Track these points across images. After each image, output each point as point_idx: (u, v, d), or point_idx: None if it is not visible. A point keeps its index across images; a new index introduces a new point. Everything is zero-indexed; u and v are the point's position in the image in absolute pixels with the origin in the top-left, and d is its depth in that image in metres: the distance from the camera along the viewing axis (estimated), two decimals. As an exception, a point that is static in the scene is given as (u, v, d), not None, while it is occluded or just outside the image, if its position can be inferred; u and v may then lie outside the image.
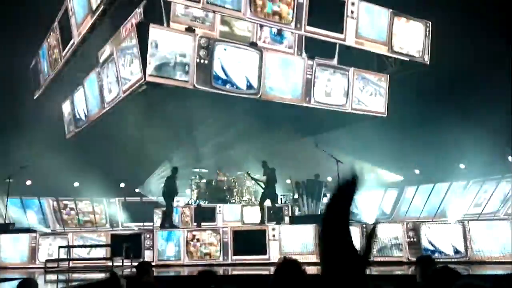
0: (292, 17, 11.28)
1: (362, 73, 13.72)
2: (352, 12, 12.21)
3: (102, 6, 10.19)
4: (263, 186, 12.66)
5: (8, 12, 14.58)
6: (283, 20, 11.21)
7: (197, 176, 15.52)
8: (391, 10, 12.95)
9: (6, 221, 13.41)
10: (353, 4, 12.25)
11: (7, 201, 13.61)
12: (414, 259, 9.09)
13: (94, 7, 10.56)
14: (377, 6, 12.77)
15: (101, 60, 12.96)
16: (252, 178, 13.62)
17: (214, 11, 10.70)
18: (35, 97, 16.26)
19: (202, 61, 10.82)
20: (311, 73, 12.63)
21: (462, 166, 15.49)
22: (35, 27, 14.39)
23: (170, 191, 12.43)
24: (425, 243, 9.45)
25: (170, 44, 10.44)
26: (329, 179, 15.40)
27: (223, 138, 16.31)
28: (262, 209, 12.40)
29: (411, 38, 13.44)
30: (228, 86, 11.30)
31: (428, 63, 13.75)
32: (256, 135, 16.04)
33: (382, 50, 13.07)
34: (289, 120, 14.81)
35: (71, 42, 12.29)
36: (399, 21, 13.14)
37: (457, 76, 14.07)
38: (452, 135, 14.00)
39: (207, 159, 17.41)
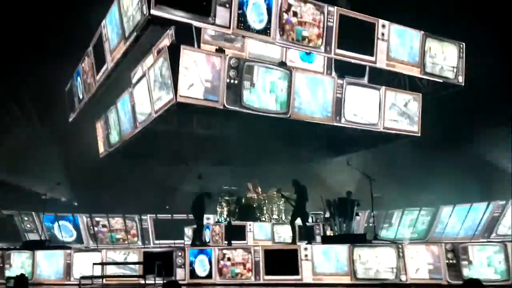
0: (322, 41, 11.35)
1: (393, 92, 13.49)
2: (382, 34, 12.19)
3: (135, 33, 10.44)
4: (294, 204, 12.52)
5: (46, 36, 15.23)
6: (313, 43, 11.30)
7: (227, 194, 15.49)
8: (423, 32, 12.81)
9: (42, 238, 13.70)
10: (383, 26, 12.23)
11: (43, 217, 13.93)
12: (453, 282, 8.83)
13: (127, 34, 10.83)
14: (408, 28, 12.67)
15: (133, 81, 13.24)
16: (283, 196, 13.49)
17: (244, 36, 10.85)
18: (70, 120, 16.72)
19: (232, 81, 10.92)
20: (341, 92, 12.56)
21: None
22: (71, 51, 14.91)
23: (199, 209, 12.48)
24: (465, 265, 9.06)
25: (201, 65, 10.59)
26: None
27: (254, 155, 16.31)
28: (293, 227, 12.24)
29: (445, 59, 13.23)
30: (258, 106, 11.33)
31: (463, 84, 13.46)
32: (286, 153, 15.96)
33: (415, 72, 12.94)
34: (320, 139, 14.69)
35: (105, 67, 12.63)
36: (431, 42, 12.97)
37: (492, 94, 13.75)
38: (489, 154, 13.65)
39: (236, 177, 17.42)
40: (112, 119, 14.89)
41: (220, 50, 11.39)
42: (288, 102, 11.71)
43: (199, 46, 11.17)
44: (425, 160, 15.14)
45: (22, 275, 4.89)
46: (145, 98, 12.04)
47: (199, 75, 10.56)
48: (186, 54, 10.40)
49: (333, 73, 13.14)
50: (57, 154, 17.19)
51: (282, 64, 12.33)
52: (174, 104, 10.61)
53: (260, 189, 15.63)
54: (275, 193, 15.39)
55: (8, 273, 10.96)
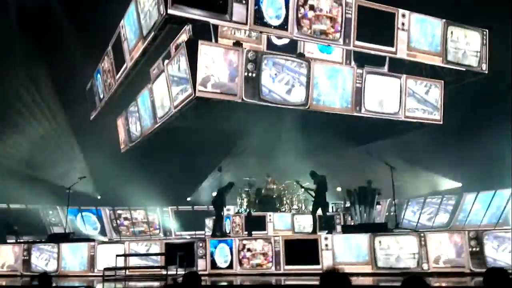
0: (340, 34, 11.20)
1: (414, 80, 13.23)
2: (403, 24, 11.94)
3: (153, 33, 10.50)
4: (313, 194, 12.47)
5: (67, 35, 15.49)
6: (331, 36, 11.17)
7: (247, 185, 15.56)
8: (444, 20, 12.49)
9: (67, 231, 14.00)
10: (403, 16, 11.98)
11: (67, 211, 14.21)
12: (476, 270, 8.67)
13: (145, 33, 10.90)
14: (429, 17, 12.37)
15: (152, 77, 13.34)
16: (302, 187, 13.45)
17: (261, 32, 10.79)
18: (91, 118, 16.96)
19: (250, 74, 10.88)
20: (360, 81, 12.37)
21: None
22: (92, 50, 15.11)
23: (221, 201, 12.57)
24: (489, 253, 8.89)
25: (219, 59, 10.59)
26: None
27: (272, 147, 16.30)
28: (314, 217, 12.20)
29: (468, 44, 12.88)
30: (276, 98, 11.28)
31: (487, 72, 13.13)
32: (305, 143, 15.88)
33: (437, 61, 12.65)
34: (340, 129, 14.52)
35: (124, 66, 12.76)
36: (453, 30, 12.65)
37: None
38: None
39: (256, 168, 17.46)
40: (132, 115, 15.08)
41: (237, 44, 11.33)
42: (307, 93, 11.60)
43: (216, 41, 11.14)
44: (450, 147, 14.85)
45: (45, 273, 4.98)
46: (164, 94, 12.14)
47: (217, 69, 10.57)
48: (204, 49, 10.41)
49: (352, 63, 12.92)
50: (80, 148, 17.53)
51: (300, 56, 12.23)
52: (193, 98, 10.64)
53: (278, 181, 15.66)
54: (294, 183, 15.41)
55: (34, 265, 11.22)
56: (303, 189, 13.79)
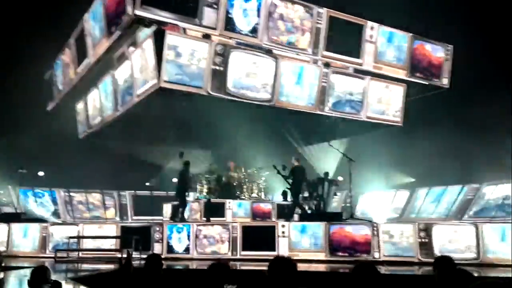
0: (310, 43, 11.26)
1: (378, 82, 13.49)
2: (371, 36, 12.11)
3: (119, 32, 10.19)
4: (289, 182, 12.63)
5: (28, 21, 14.84)
6: (300, 45, 11.28)
7: (208, 172, 15.53)
8: (411, 34, 12.78)
9: (18, 211, 13.55)
10: (372, 28, 12.13)
11: (18, 191, 13.73)
12: (425, 259, 9.07)
13: (110, 31, 10.54)
14: (397, 30, 12.61)
15: (116, 63, 12.92)
16: (278, 172, 13.46)
17: (230, 38, 10.66)
18: (48, 109, 16.33)
19: (217, 67, 10.76)
20: (326, 81, 12.49)
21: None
22: (53, 37, 14.48)
23: (183, 186, 12.48)
24: (436, 244, 9.31)
25: (186, 50, 10.41)
26: (340, 178, 15.34)
27: (234, 138, 16.29)
28: (299, 204, 12.29)
29: (431, 62, 13.25)
30: (242, 93, 11.24)
31: (448, 86, 13.53)
32: (268, 137, 15.95)
33: (401, 74, 12.96)
34: (303, 126, 14.64)
35: (86, 61, 12.30)
36: (418, 45, 12.96)
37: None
38: (465, 140, 13.97)
39: (217, 156, 17.45)
40: (92, 101, 14.63)
41: (206, 36, 11.12)
42: (273, 90, 11.61)
43: (185, 32, 10.92)
44: (405, 144, 15.36)
45: (42, 267, 4.82)
46: (127, 82, 11.84)
47: (184, 60, 10.37)
48: (172, 39, 10.18)
49: (319, 62, 12.73)
50: (37, 130, 16.91)
51: (268, 52, 12.19)
52: (157, 89, 10.44)
53: (241, 169, 15.70)
54: (255, 171, 15.51)
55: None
56: (278, 174, 13.77)
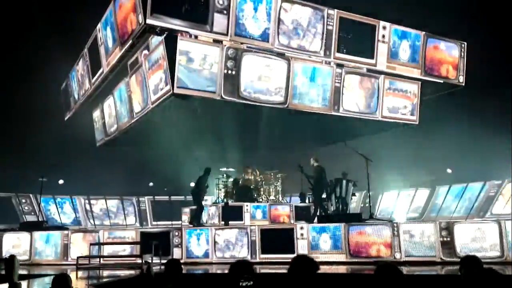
0: (321, 46, 11.16)
1: (393, 80, 13.29)
2: (383, 36, 11.95)
3: (131, 41, 10.23)
4: (312, 183, 12.60)
5: (44, 31, 15.13)
6: (312, 48, 11.14)
7: (224, 175, 15.55)
8: (424, 32, 12.60)
9: (40, 219, 13.76)
10: (384, 28, 11.98)
11: (40, 199, 13.95)
12: (447, 259, 8.91)
13: (122, 40, 10.57)
14: (409, 29, 12.42)
15: (130, 70, 13.02)
16: (303, 173, 13.40)
17: (242, 43, 10.64)
18: (66, 118, 16.55)
19: (229, 72, 10.74)
20: (339, 81, 12.37)
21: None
22: (68, 48, 14.72)
23: (200, 190, 12.56)
24: (459, 243, 9.14)
25: (198, 55, 10.42)
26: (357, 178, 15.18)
27: (250, 140, 16.28)
28: (322, 205, 12.26)
29: (446, 59, 13.04)
30: (255, 96, 11.20)
31: (464, 84, 13.31)
32: (284, 139, 15.91)
33: (415, 74, 12.69)
34: (319, 127, 14.52)
35: (100, 70, 12.38)
36: (433, 43, 12.76)
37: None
38: (484, 136, 13.71)
39: (234, 159, 17.46)
40: (108, 108, 14.78)
41: (217, 41, 11.13)
42: (287, 92, 11.56)
43: (196, 37, 10.95)
44: (424, 141, 15.17)
45: (12, 255, 4.89)
46: (141, 89, 11.92)
47: (196, 65, 10.39)
48: (183, 44, 10.18)
49: (332, 63, 12.64)
50: (55, 138, 17.20)
51: (280, 54, 12.15)
52: (171, 95, 10.47)
53: (257, 171, 15.69)
54: (272, 174, 15.47)
55: (5, 253, 11.00)
56: (304, 176, 13.72)
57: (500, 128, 13.74)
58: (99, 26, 12.06)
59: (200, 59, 10.40)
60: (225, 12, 9.92)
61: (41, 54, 15.19)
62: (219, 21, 9.89)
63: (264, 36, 10.55)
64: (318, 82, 12.08)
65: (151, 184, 18.04)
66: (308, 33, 11.08)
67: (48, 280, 7.49)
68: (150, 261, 9.60)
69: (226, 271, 4.04)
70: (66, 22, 14.49)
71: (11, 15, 14.84)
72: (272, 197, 15.38)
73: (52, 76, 16.32)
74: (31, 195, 15.56)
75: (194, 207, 13.33)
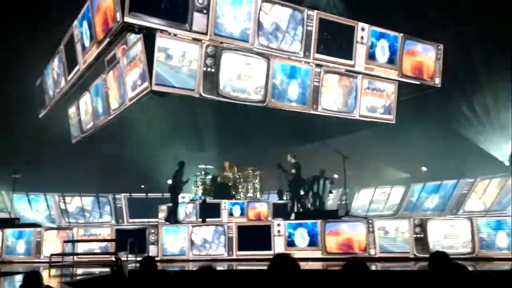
0: (301, 47, 11.19)
1: (372, 80, 13.40)
2: (362, 37, 12.06)
3: (108, 38, 10.06)
4: (289, 179, 12.66)
5: (17, 27, 14.73)
6: (291, 48, 11.19)
7: (203, 173, 15.47)
8: (402, 34, 12.77)
9: (12, 216, 13.46)
10: (363, 29, 12.10)
11: (12, 196, 13.65)
12: (420, 255, 9.08)
13: (99, 38, 10.41)
14: (387, 31, 12.57)
15: (107, 67, 12.81)
16: (283, 170, 13.45)
17: (221, 42, 10.57)
18: (40, 116, 16.20)
19: (208, 69, 10.67)
20: (318, 80, 12.43)
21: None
22: (43, 44, 14.37)
23: (175, 186, 12.46)
24: (432, 239, 9.33)
25: (177, 52, 10.31)
26: (335, 176, 15.33)
27: (229, 139, 16.26)
28: (300, 201, 12.32)
29: (422, 61, 13.24)
30: (234, 95, 11.17)
31: (440, 86, 13.51)
32: (263, 137, 15.93)
33: (392, 75, 12.88)
34: (297, 126, 14.58)
35: (76, 68, 12.16)
36: (410, 45, 12.93)
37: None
38: (458, 136, 14.02)
39: (212, 157, 17.40)
40: (84, 105, 14.52)
41: (196, 38, 11.05)
42: (266, 90, 11.55)
43: (175, 34, 10.82)
44: (399, 140, 15.39)
45: (34, 272, 4.78)
46: (118, 85, 11.74)
47: (175, 63, 10.28)
48: (162, 41, 10.05)
49: (311, 61, 12.68)
50: (29, 135, 16.84)
51: (259, 52, 12.13)
52: (149, 92, 10.35)
53: (236, 169, 15.67)
54: (250, 171, 15.47)
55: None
56: (282, 172, 13.79)
57: (473, 127, 14.09)
58: (75, 23, 11.83)
59: (179, 56, 10.29)
60: (204, 11, 9.84)
61: (15, 50, 14.80)
62: (198, 20, 9.81)
63: (244, 36, 10.52)
64: (297, 81, 12.13)
65: (127, 180, 17.80)
66: (288, 35, 11.10)
67: (19, 278, 7.33)
68: (123, 258, 9.49)
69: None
70: (41, 17, 14.11)
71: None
72: (250, 194, 15.38)
73: (27, 72, 15.95)
74: (3, 192, 15.18)
75: (170, 204, 13.22)
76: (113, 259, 9.54)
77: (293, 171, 12.85)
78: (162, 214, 14.32)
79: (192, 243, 10.43)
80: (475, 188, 14.79)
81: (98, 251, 10.63)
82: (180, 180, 12.89)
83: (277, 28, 10.95)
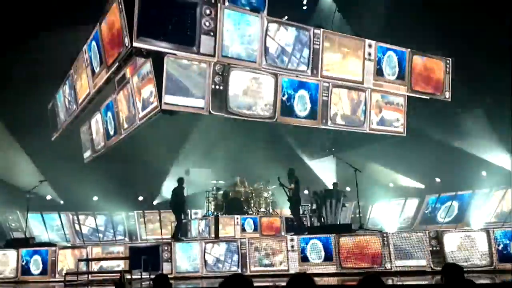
0: (308, 66, 11.23)
1: (379, 94, 13.28)
2: (369, 54, 12.07)
3: (117, 63, 10.10)
4: (289, 194, 12.63)
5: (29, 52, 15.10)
6: (299, 67, 11.10)
7: (214, 188, 15.50)
8: (409, 49, 12.75)
9: (27, 236, 13.56)
10: (370, 46, 12.09)
11: (27, 215, 13.78)
12: (437, 268, 8.92)
13: (109, 63, 10.44)
14: (395, 47, 12.45)
15: (117, 87, 12.93)
16: (281, 184, 13.48)
17: (229, 64, 10.64)
18: (52, 139, 16.42)
19: (217, 87, 10.75)
20: (327, 94, 12.42)
21: (484, 174, 15.17)
22: (55, 68, 14.66)
23: (177, 203, 12.53)
24: (448, 252, 9.18)
25: (186, 71, 10.41)
26: (348, 188, 15.24)
27: (241, 153, 16.30)
28: (299, 217, 12.28)
29: (432, 76, 13.19)
30: (243, 111, 11.21)
31: (450, 99, 13.36)
32: (274, 151, 15.96)
33: (402, 90, 12.74)
34: (310, 140, 14.58)
35: (87, 92, 12.35)
36: (418, 60, 12.79)
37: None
38: (472, 144, 13.88)
39: (224, 172, 17.43)
40: (95, 125, 14.69)
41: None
42: (274, 106, 11.58)
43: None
44: (413, 151, 15.29)
45: None
46: (128, 105, 11.88)
47: (183, 81, 10.39)
48: (170, 61, 10.17)
49: (319, 79, 12.65)
50: (43, 155, 17.09)
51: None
52: (158, 111, 10.43)
53: (247, 183, 15.67)
54: (262, 186, 15.45)
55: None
56: (281, 186, 13.84)
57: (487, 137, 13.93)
58: (85, 47, 11.98)
59: (188, 75, 10.39)
60: (211, 34, 9.83)
61: (27, 75, 15.16)
62: (206, 42, 9.77)
63: (251, 57, 10.51)
64: (305, 96, 12.13)
65: (140, 198, 17.91)
66: (294, 58, 11.09)
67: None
68: (137, 276, 9.51)
69: (216, 286, 3.92)
70: (54, 41, 14.43)
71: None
72: (262, 209, 15.34)
73: (39, 95, 16.27)
74: (18, 212, 15.34)
75: (175, 222, 13.23)
76: (128, 277, 9.61)
77: (292, 185, 12.78)
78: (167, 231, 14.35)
79: (205, 259, 10.40)
80: (491, 199, 14.57)
81: (117, 268, 10.64)
82: (181, 197, 12.91)
83: (283, 51, 10.93)
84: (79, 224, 15.92)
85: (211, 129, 15.17)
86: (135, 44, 8.96)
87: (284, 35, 10.86)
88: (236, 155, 16.79)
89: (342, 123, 12.66)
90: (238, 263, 10.20)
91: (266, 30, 10.62)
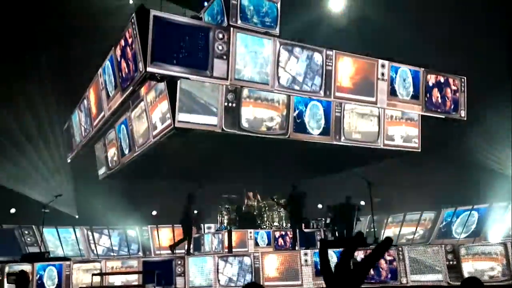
0: (321, 87, 11.19)
1: (393, 110, 13.12)
2: (382, 74, 12.01)
3: (131, 87, 10.23)
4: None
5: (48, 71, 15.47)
6: (312, 89, 11.18)
7: (227, 202, 15.49)
8: (423, 68, 12.68)
9: (42, 250, 13.67)
10: (383, 66, 12.04)
11: (42, 230, 13.91)
12: (454, 283, 8.75)
13: (123, 86, 10.59)
14: (408, 66, 12.45)
15: (131, 105, 13.10)
16: (273, 200, 13.51)
17: (242, 86, 10.71)
18: (68, 160, 16.65)
19: (230, 104, 10.83)
20: (339, 111, 12.40)
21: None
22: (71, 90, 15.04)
23: (186, 218, 12.57)
24: (465, 267, 9.00)
25: (199, 89, 10.52)
26: (362, 202, 15.06)
27: (253, 167, 16.24)
28: (293, 233, 12.24)
29: (446, 95, 13.07)
30: (256, 128, 11.25)
31: (465, 118, 13.24)
32: (288, 165, 15.88)
33: (416, 110, 12.68)
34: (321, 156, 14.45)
35: (102, 114, 12.47)
36: (432, 79, 12.79)
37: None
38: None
39: (236, 186, 17.40)
40: (110, 142, 14.87)
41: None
42: (287, 123, 11.60)
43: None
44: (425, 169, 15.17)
45: (23, 271, 4.92)
46: (142, 123, 12.04)
47: (196, 99, 10.50)
48: (184, 80, 10.26)
49: (332, 99, 12.39)
50: (58, 169, 17.32)
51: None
52: (172, 129, 10.53)
53: (259, 197, 15.63)
54: (274, 200, 15.37)
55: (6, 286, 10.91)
56: (277, 205, 13.91)
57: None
58: (100, 71, 12.15)
59: (201, 93, 10.49)
60: (224, 57, 9.86)
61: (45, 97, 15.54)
62: (219, 66, 9.78)
63: (264, 80, 10.52)
64: (318, 112, 12.14)
65: (154, 212, 17.95)
66: (308, 74, 11.06)
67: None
68: None
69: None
70: (72, 63, 14.79)
71: (12, 54, 15.15)
72: (276, 223, 15.26)
73: (54, 116, 16.60)
74: (33, 227, 15.49)
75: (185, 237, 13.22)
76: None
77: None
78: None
79: (218, 274, 10.35)
80: (508, 213, 14.27)
81: (132, 283, 10.65)
82: (190, 212, 12.91)
83: (294, 82, 10.89)
84: (95, 244, 16.03)
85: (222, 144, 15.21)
86: (149, 69, 9.01)
87: (294, 65, 10.82)
88: (249, 169, 16.76)
89: (355, 139, 12.62)
90: (251, 278, 10.11)
91: (278, 56, 10.59)
